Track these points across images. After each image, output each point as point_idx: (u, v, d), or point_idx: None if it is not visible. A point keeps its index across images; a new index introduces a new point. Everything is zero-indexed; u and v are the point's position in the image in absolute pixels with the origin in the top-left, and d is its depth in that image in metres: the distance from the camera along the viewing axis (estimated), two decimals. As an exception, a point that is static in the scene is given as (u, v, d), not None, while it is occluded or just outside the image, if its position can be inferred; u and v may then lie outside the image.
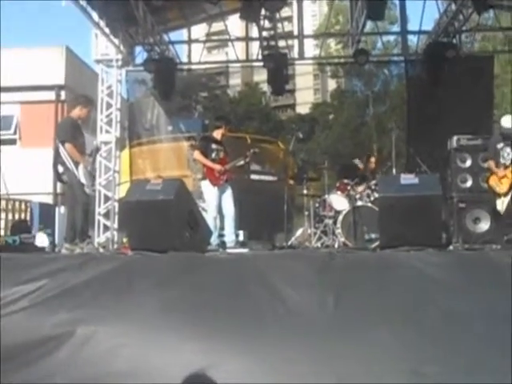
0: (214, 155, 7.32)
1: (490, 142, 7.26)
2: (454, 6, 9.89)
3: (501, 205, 6.64)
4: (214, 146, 7.39)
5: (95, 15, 9.78)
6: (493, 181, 6.90)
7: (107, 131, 10.85)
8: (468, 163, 8.45)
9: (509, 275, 3.56)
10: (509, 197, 6.43)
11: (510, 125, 6.80)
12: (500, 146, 6.91)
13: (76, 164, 6.40)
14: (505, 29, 12.64)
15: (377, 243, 6.32)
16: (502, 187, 6.70)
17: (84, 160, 6.47)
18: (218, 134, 7.49)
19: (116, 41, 10.62)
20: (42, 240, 10.19)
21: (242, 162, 7.55)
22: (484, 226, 8.04)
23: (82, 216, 6.44)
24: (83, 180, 6.39)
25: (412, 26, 13.42)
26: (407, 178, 4.73)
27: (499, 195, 6.74)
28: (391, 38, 20.09)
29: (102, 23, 9.89)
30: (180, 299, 3.68)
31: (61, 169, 6.49)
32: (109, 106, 10.92)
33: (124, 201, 6.01)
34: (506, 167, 6.79)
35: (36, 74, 15.48)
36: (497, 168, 6.86)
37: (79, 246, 6.24)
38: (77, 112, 6.75)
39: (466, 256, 4.36)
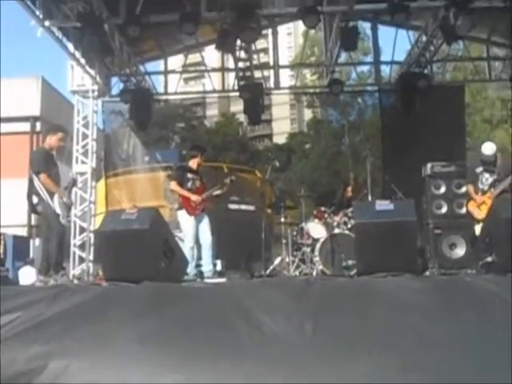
0: (189, 185, 7.29)
1: (468, 167, 7.35)
2: (424, 37, 10.15)
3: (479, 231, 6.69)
4: (189, 175, 7.37)
5: (71, 46, 9.80)
6: (471, 206, 6.96)
7: (83, 162, 10.79)
8: (442, 190, 8.58)
9: (485, 299, 3.59)
10: None
11: (490, 152, 6.91)
12: (479, 170, 7.00)
13: (51, 194, 6.31)
14: (474, 59, 13.01)
15: (355, 270, 6.32)
16: (480, 213, 6.75)
17: (59, 190, 6.40)
18: (193, 163, 7.49)
19: (92, 71, 10.65)
20: (30, 273, 9.76)
21: (218, 192, 7.52)
22: (460, 251, 8.13)
23: (57, 247, 6.33)
24: (58, 210, 6.30)
25: (385, 56, 13.78)
26: (382, 204, 4.76)
27: (478, 221, 6.78)
28: (365, 68, 20.57)
29: (78, 54, 9.91)
30: (156, 330, 3.61)
31: (35, 199, 6.39)
32: (85, 136, 10.88)
33: (99, 231, 5.94)
34: (484, 193, 6.88)
35: (11, 105, 15.41)
36: (475, 194, 6.94)
37: (53, 277, 6.11)
38: (48, 141, 6.66)
39: (442, 281, 4.38)
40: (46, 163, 6.40)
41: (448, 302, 3.65)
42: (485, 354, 3.21)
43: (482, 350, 3.24)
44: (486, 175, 6.95)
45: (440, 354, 3.27)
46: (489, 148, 6.95)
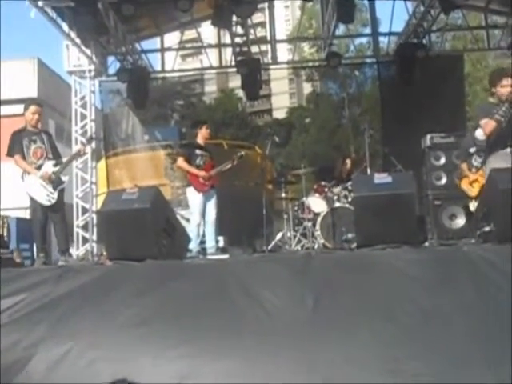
0: (198, 161, 7.18)
1: (462, 145, 7.35)
2: (422, 7, 10.03)
3: (473, 207, 6.75)
4: (198, 151, 7.21)
5: (65, 26, 9.72)
6: (464, 184, 7.03)
7: (82, 143, 10.76)
8: (442, 161, 8.58)
9: (483, 269, 3.63)
10: None
11: (483, 137, 6.95)
12: (472, 150, 7.04)
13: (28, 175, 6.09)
14: (473, 28, 12.87)
15: (355, 243, 6.36)
16: (473, 191, 6.83)
17: (33, 170, 6.08)
18: (200, 138, 7.37)
19: (88, 51, 10.56)
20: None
21: (229, 166, 7.38)
22: (460, 221, 8.16)
23: (37, 231, 6.15)
24: (30, 192, 6.06)
25: (384, 27, 13.61)
26: (381, 177, 4.77)
27: (471, 198, 6.87)
28: (364, 40, 20.32)
29: (73, 34, 9.82)
30: (159, 307, 3.68)
31: None
32: (83, 117, 10.85)
33: (100, 211, 5.96)
34: (477, 170, 6.93)
35: (8, 87, 15.33)
36: (469, 171, 7.00)
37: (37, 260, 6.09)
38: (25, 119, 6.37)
39: (440, 252, 4.42)
40: (15, 145, 6.12)
41: (446, 273, 3.69)
42: (483, 325, 3.26)
43: (481, 320, 3.29)
44: (480, 155, 6.99)
45: (439, 325, 3.32)
46: (482, 133, 7.02)
